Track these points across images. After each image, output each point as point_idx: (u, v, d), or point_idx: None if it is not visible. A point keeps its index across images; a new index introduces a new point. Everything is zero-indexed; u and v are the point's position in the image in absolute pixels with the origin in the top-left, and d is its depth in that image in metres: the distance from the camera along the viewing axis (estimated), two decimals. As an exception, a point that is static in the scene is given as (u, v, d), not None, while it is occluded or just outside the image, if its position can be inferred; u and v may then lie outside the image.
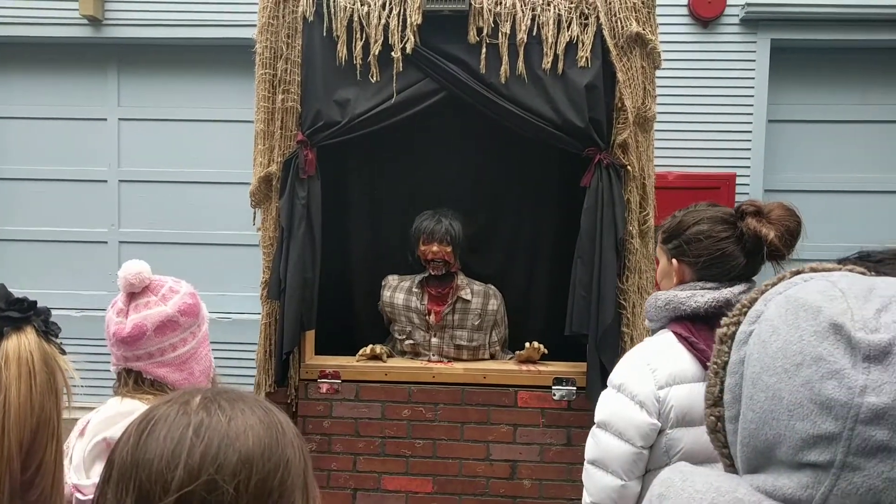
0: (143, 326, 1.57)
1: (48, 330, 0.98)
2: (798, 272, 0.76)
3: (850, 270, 0.74)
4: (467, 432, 2.93)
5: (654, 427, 1.58)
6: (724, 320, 0.79)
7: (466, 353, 3.06)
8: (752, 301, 0.77)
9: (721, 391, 0.77)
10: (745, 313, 0.76)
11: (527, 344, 2.97)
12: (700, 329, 1.61)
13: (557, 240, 3.31)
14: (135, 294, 1.60)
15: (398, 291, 3.14)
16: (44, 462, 0.90)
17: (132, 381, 1.59)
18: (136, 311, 1.58)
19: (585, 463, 1.68)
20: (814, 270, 0.75)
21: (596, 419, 1.66)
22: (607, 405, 1.64)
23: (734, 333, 0.76)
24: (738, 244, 1.64)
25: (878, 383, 0.61)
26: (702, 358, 1.58)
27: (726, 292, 1.61)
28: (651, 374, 1.60)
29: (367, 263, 3.43)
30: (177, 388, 1.58)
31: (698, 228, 1.67)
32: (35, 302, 0.99)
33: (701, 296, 1.61)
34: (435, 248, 2.99)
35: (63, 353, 1.01)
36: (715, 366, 0.79)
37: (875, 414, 0.60)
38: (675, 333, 1.63)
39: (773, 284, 0.77)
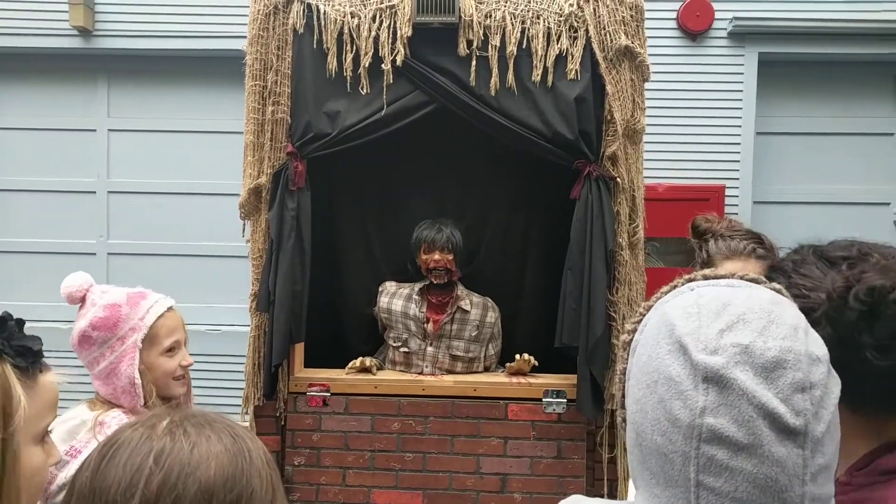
0: (72, 339, 1.57)
1: (4, 348, 0.94)
2: (690, 279, 0.77)
3: (742, 278, 0.75)
4: (457, 445, 2.91)
5: None
6: (626, 327, 0.80)
7: (461, 365, 3.05)
8: (648, 309, 0.78)
9: (623, 395, 0.79)
10: (641, 321, 0.78)
11: (517, 356, 2.96)
12: None
13: (549, 251, 3.31)
14: (81, 306, 1.61)
15: (396, 298, 3.11)
16: None
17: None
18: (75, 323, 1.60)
19: None
20: (706, 278, 0.76)
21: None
22: None
23: (631, 341, 0.78)
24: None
25: (716, 405, 0.63)
26: None
27: None
28: None
29: (357, 275, 3.42)
30: (112, 401, 1.57)
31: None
32: (4, 319, 0.96)
33: None
34: (437, 257, 2.98)
35: (41, 371, 0.98)
36: (619, 372, 0.81)
37: (714, 434, 0.63)
38: None
39: (668, 292, 0.78)
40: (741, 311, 0.67)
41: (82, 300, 1.58)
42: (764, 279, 0.76)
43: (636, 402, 0.71)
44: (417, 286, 3.11)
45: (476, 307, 3.06)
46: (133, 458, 0.67)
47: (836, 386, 0.67)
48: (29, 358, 0.97)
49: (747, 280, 0.75)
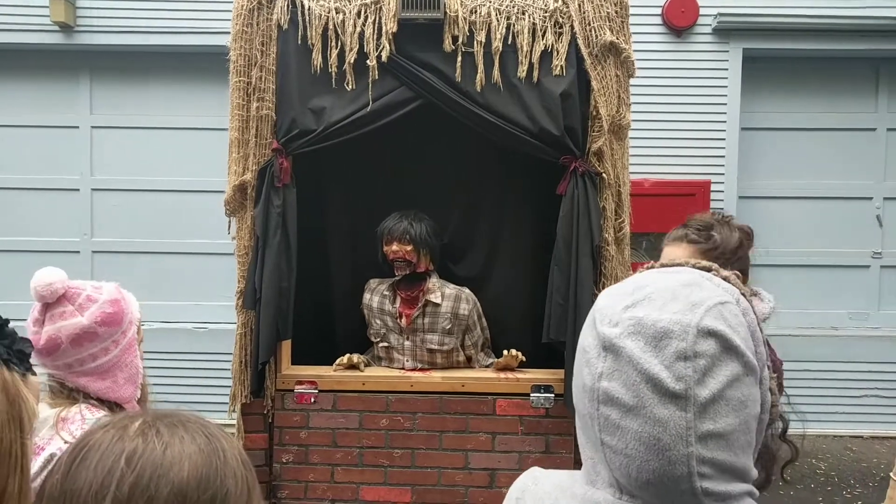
0: (57, 339, 1.49)
1: (10, 357, 0.94)
2: (650, 267, 0.84)
3: (694, 266, 0.80)
4: (446, 441, 2.91)
5: None
6: None
7: (440, 357, 3.05)
8: None
9: None
10: None
11: (504, 352, 2.97)
12: None
13: (537, 246, 3.31)
14: (50, 303, 1.52)
15: (375, 294, 3.13)
16: (5, 495, 0.86)
17: (49, 387, 1.53)
18: (51, 322, 1.50)
19: None
20: (662, 266, 0.83)
21: None
22: None
23: None
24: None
25: (611, 370, 0.71)
26: None
27: (768, 303, 1.73)
28: None
29: (344, 271, 3.41)
30: (99, 396, 1.52)
31: (737, 244, 1.81)
32: (1, 325, 0.96)
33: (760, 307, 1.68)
34: (395, 248, 2.97)
35: (34, 374, 0.98)
36: None
37: (608, 397, 0.71)
38: None
39: None
40: (650, 291, 0.74)
41: (60, 297, 1.53)
42: (715, 266, 0.80)
43: (573, 376, 0.80)
44: (391, 281, 3.11)
45: (447, 299, 3.04)
46: (104, 459, 0.66)
47: (731, 360, 0.70)
48: (26, 363, 0.97)
49: (698, 268, 0.80)
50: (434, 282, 3.07)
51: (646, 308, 0.72)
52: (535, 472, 0.85)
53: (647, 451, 0.68)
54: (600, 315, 0.75)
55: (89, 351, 1.51)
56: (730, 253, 1.79)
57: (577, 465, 2.87)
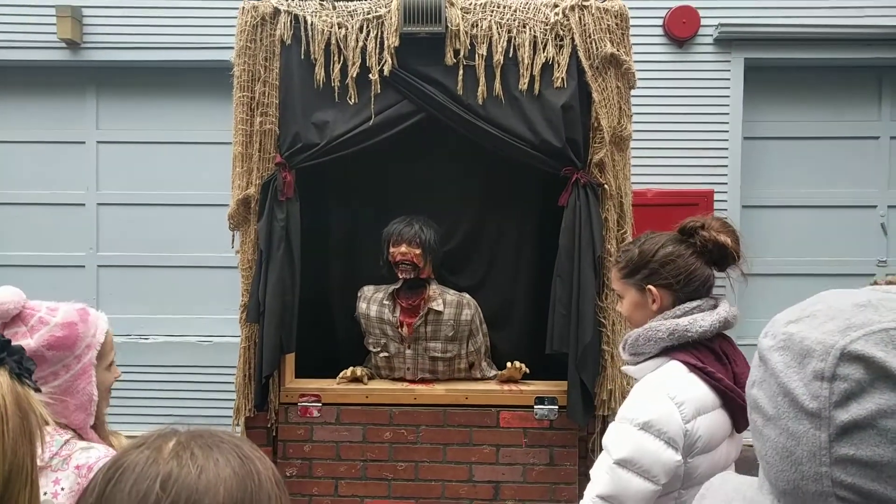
0: None
1: (21, 371, 0.95)
2: (875, 283, 0.83)
3: None
4: (450, 454, 2.91)
5: (680, 464, 1.54)
6: None
7: (442, 365, 3.04)
8: None
9: None
10: None
11: (508, 364, 2.97)
12: (705, 355, 1.60)
13: (539, 257, 3.31)
14: (6, 323, 1.46)
15: (372, 303, 3.10)
16: None
17: None
18: None
19: (594, 496, 1.57)
20: (890, 283, 0.84)
21: (615, 456, 1.55)
22: (629, 442, 1.54)
23: None
24: (701, 258, 1.67)
25: (760, 379, 0.75)
26: (717, 386, 1.57)
27: (722, 311, 1.63)
28: (677, 408, 1.54)
29: (347, 284, 3.41)
30: (48, 421, 1.49)
31: (665, 251, 1.68)
32: (8, 341, 0.96)
33: (703, 319, 1.60)
34: (403, 249, 2.96)
35: (38, 390, 0.98)
36: None
37: (755, 404, 0.75)
38: (684, 363, 1.59)
39: None
40: (818, 309, 0.74)
41: (15, 317, 1.47)
42: None
43: None
44: (390, 289, 3.09)
45: (449, 306, 3.03)
46: (139, 483, 0.66)
47: (889, 390, 0.65)
48: (31, 379, 0.98)
49: None
50: (435, 289, 3.07)
51: (803, 325, 0.73)
52: (726, 474, 0.89)
53: (783, 461, 0.71)
54: (768, 326, 0.78)
55: (39, 374, 1.41)
56: (644, 263, 1.69)
57: (582, 476, 2.87)
